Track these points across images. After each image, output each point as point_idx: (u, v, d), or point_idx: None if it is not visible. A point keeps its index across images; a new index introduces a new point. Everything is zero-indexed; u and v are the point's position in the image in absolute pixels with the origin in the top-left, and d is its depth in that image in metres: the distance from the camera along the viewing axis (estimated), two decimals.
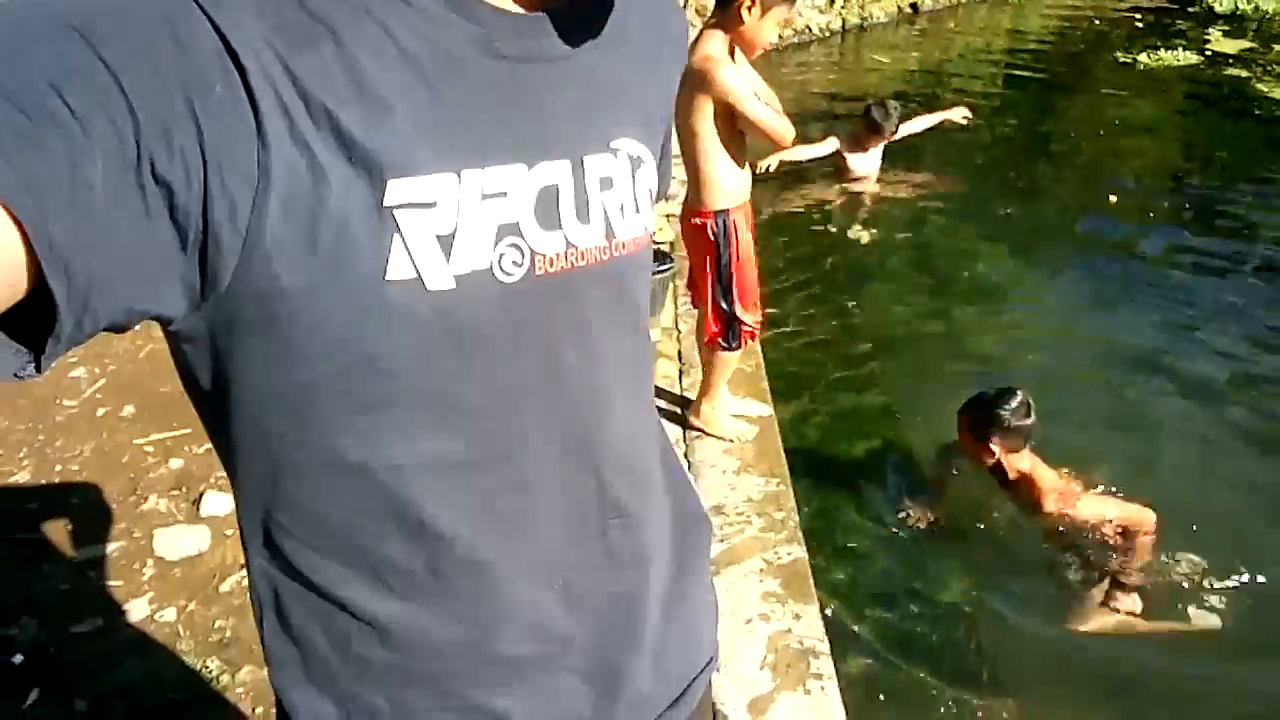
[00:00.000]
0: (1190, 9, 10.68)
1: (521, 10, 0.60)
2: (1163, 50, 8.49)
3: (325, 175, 0.51)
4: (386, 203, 0.53)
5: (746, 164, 2.64)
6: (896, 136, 5.45)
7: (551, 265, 0.62)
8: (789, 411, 3.35)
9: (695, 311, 2.90)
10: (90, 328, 0.46)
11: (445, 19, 0.56)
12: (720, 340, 2.76)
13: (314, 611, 0.65)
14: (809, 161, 5.46)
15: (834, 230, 5.05)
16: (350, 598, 0.64)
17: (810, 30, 9.08)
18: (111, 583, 2.24)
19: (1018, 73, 8.35)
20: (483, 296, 0.58)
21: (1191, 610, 2.63)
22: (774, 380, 3.32)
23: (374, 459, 0.60)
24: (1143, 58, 8.35)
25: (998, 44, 9.54)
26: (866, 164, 5.51)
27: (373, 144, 0.52)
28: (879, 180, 5.54)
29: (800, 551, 2.43)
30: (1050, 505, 2.69)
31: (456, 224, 0.56)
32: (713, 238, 2.63)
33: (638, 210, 0.69)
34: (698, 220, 2.64)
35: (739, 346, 2.79)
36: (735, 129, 2.51)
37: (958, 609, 2.66)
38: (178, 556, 2.32)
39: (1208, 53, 8.65)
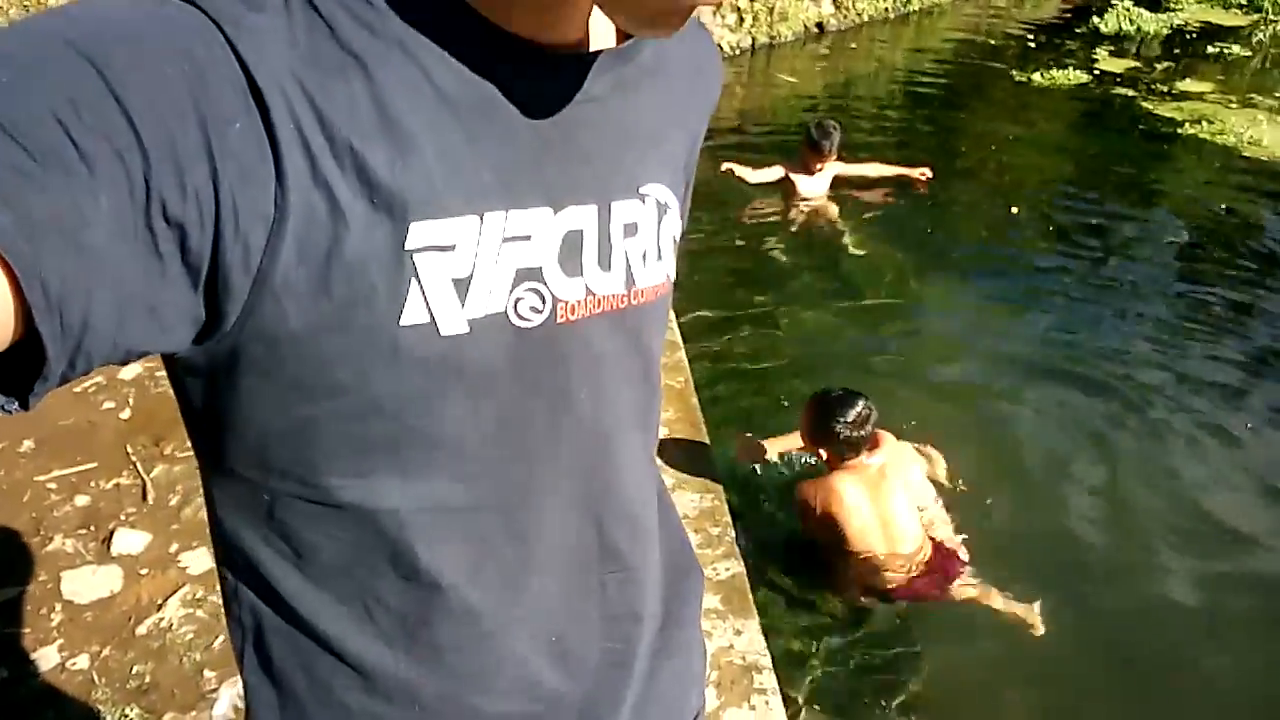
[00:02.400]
0: (1078, 29, 11.20)
1: (564, 49, 0.58)
2: (1054, 70, 8.87)
3: (345, 217, 0.49)
4: (408, 246, 0.51)
5: None
6: (849, 173, 5.42)
7: (572, 313, 0.60)
8: (719, 429, 3.37)
9: None
10: (85, 366, 0.44)
11: (482, 58, 0.54)
12: None
13: (297, 650, 0.62)
14: (754, 184, 5.44)
15: (772, 250, 5.07)
16: (336, 634, 0.62)
17: (721, 48, 9.21)
18: (17, 630, 2.10)
19: (920, 90, 8.62)
20: (495, 340, 0.56)
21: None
22: (703, 396, 3.33)
23: (372, 500, 0.58)
24: (1036, 76, 8.72)
25: (900, 62, 9.84)
26: (814, 186, 5.43)
27: (397, 184, 0.50)
28: (830, 199, 5.48)
29: (738, 566, 2.43)
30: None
31: (474, 267, 0.54)
32: None
33: (660, 258, 0.67)
34: None
35: None
36: None
37: (895, 618, 2.71)
38: (89, 599, 2.19)
39: (1096, 71, 9.08)
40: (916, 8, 11.81)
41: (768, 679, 2.10)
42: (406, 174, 0.51)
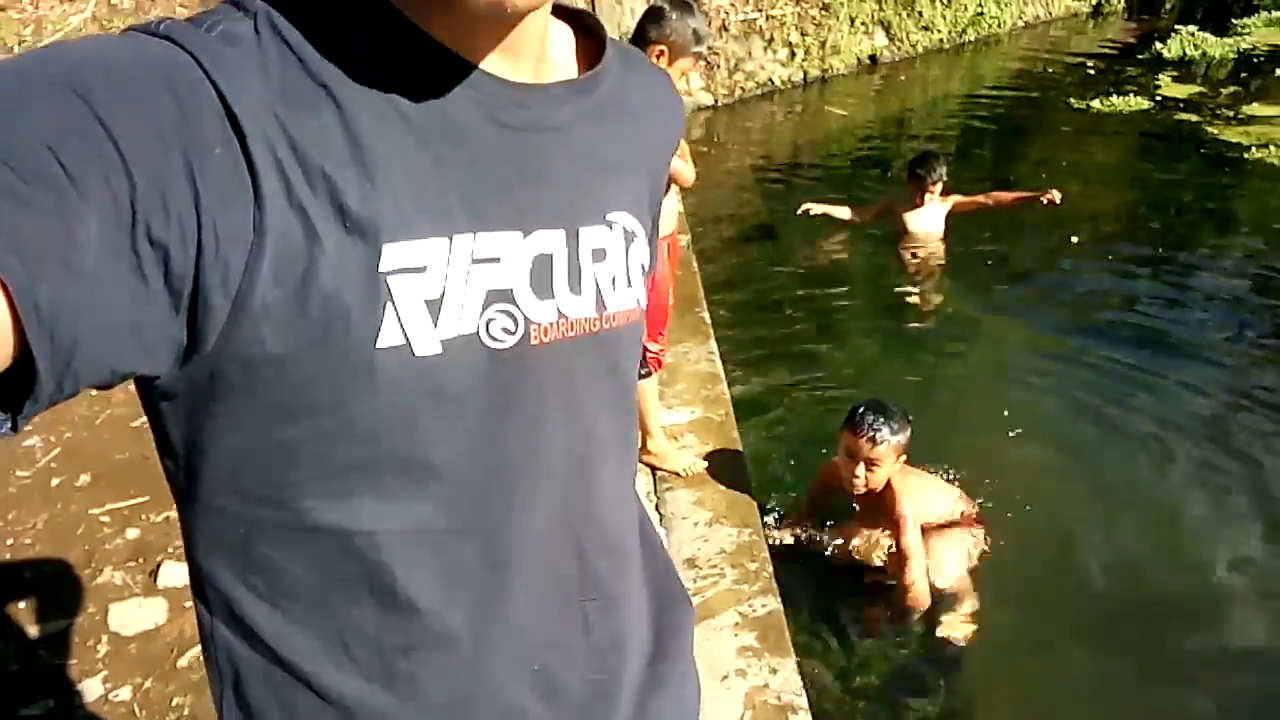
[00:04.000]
0: (1140, 56, 10.99)
1: (526, 80, 0.60)
2: (1114, 96, 8.70)
3: (320, 240, 0.51)
4: (381, 268, 0.53)
5: (672, 195, 2.71)
6: (964, 205, 5.13)
7: (545, 335, 0.61)
8: (761, 463, 3.33)
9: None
10: (71, 388, 0.45)
11: (448, 88, 0.56)
12: None
13: (275, 688, 0.62)
14: (843, 220, 5.28)
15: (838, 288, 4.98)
16: (315, 671, 0.62)
17: (773, 83, 9.24)
18: (64, 661, 2.15)
19: (975, 121, 8.52)
20: (469, 362, 0.57)
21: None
22: (744, 428, 3.30)
23: (349, 523, 0.58)
24: (1095, 103, 8.56)
25: (955, 92, 9.75)
26: (926, 222, 5.14)
27: (368, 208, 0.52)
28: (943, 240, 5.18)
29: (775, 603, 2.39)
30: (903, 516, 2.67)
31: (444, 289, 0.55)
32: None
33: (629, 284, 0.68)
34: None
35: (649, 373, 2.81)
36: None
37: (934, 654, 2.62)
38: (134, 631, 2.24)
39: (1158, 98, 8.88)
40: (971, 38, 11.72)
41: (804, 719, 2.05)
42: (377, 198, 0.53)
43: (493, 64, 0.57)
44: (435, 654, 0.63)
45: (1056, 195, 4.85)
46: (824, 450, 3.11)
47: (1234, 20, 12.79)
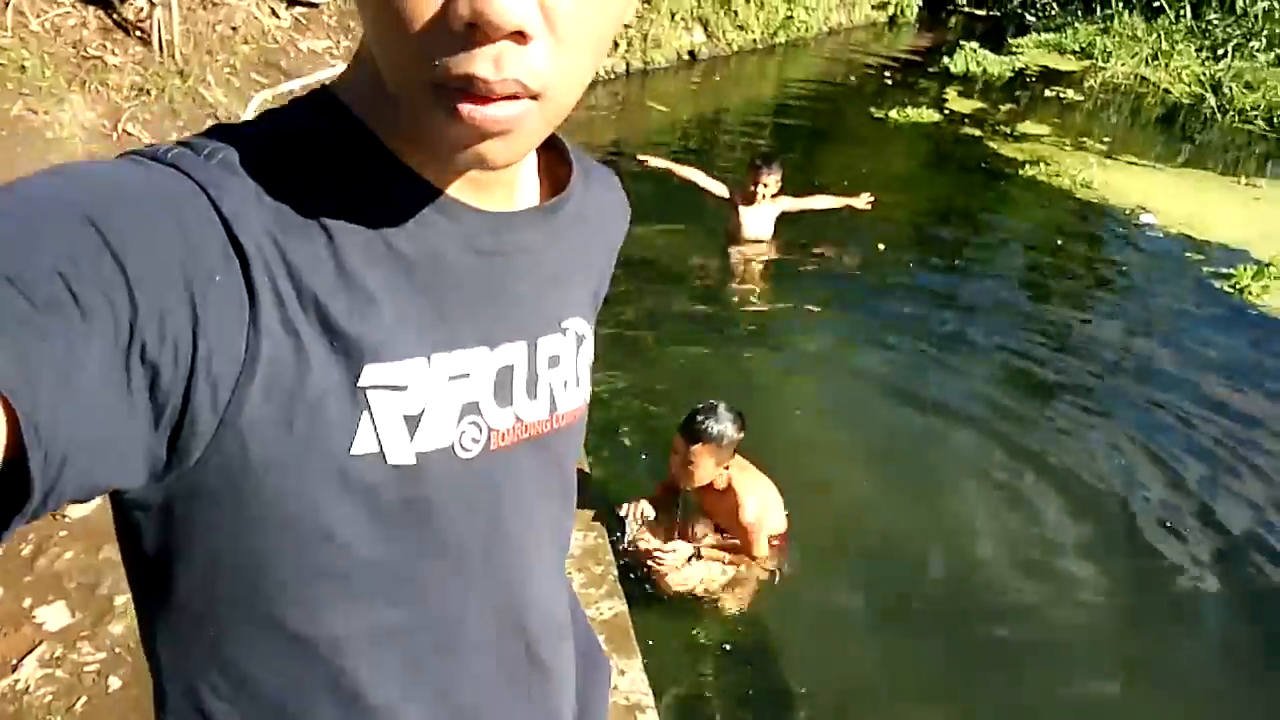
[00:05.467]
0: (930, 69, 11.89)
1: (499, 208, 0.64)
2: (909, 108, 9.39)
3: (309, 359, 0.54)
4: (360, 383, 0.56)
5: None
6: (792, 208, 5.39)
7: (503, 440, 0.65)
8: (603, 465, 3.43)
9: None
10: (54, 504, 0.46)
11: (432, 221, 0.60)
12: None
13: None
14: (701, 187, 5.38)
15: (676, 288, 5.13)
16: None
17: (596, 72, 9.31)
18: None
19: (785, 123, 8.98)
20: (441, 472, 0.61)
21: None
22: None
23: (318, 630, 0.61)
24: (893, 114, 9.21)
25: (766, 94, 10.22)
26: (755, 222, 5.36)
27: (355, 331, 0.56)
28: (771, 243, 5.43)
29: (621, 605, 2.49)
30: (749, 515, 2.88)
31: (424, 406, 0.59)
32: None
33: (578, 384, 0.73)
34: None
35: None
36: None
37: (776, 647, 2.82)
38: None
39: (946, 110, 9.66)
40: (782, 40, 12.28)
41: (651, 719, 2.16)
42: (364, 323, 0.56)
43: (469, 195, 0.61)
44: None
45: (869, 198, 5.36)
46: (661, 452, 3.25)
47: (1009, 40, 14.07)
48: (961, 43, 12.67)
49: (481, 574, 0.67)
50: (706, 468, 2.81)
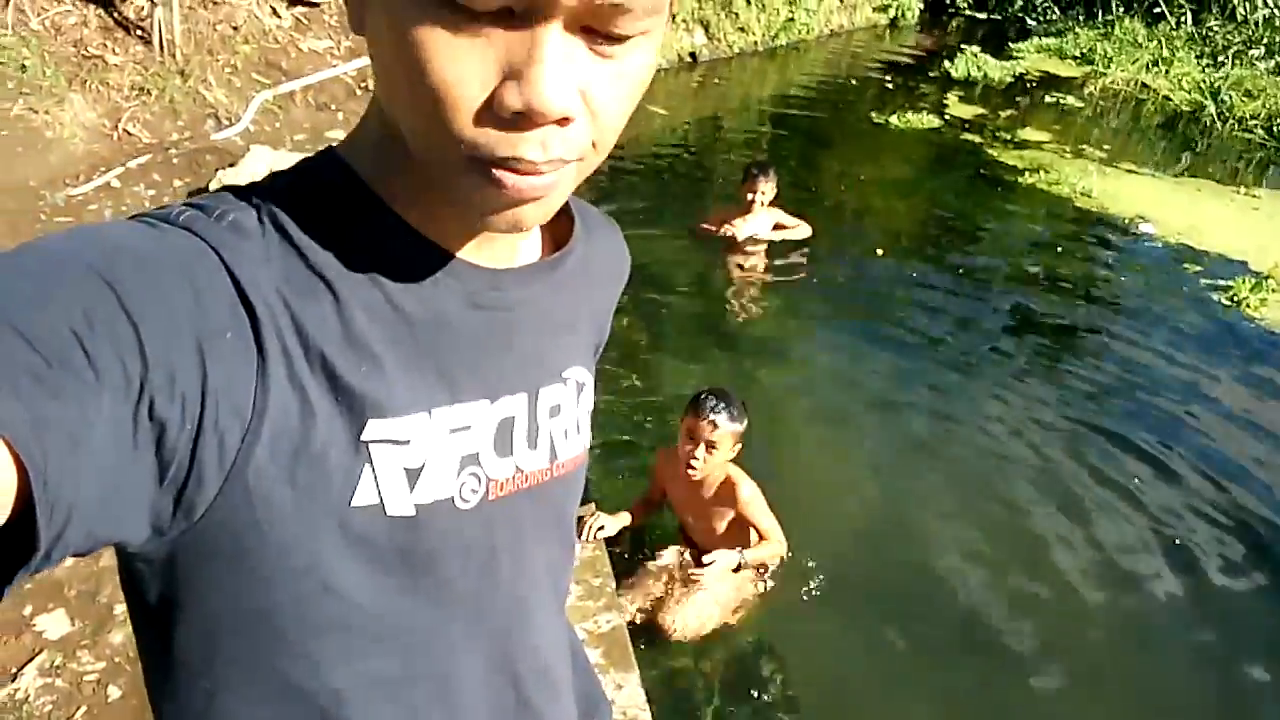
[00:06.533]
0: (931, 73, 11.88)
1: (501, 265, 0.65)
2: (910, 113, 9.39)
3: (314, 413, 0.55)
4: (363, 438, 0.57)
5: None
6: (786, 223, 5.50)
7: (502, 489, 0.66)
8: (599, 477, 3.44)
9: None
10: (59, 557, 0.47)
11: (436, 279, 0.61)
12: None
13: None
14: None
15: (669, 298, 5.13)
16: None
17: None
18: None
19: (783, 129, 8.96)
20: (440, 523, 0.62)
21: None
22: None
23: (318, 682, 0.61)
24: (893, 119, 9.20)
25: (766, 97, 10.20)
26: (752, 230, 5.44)
27: (360, 388, 0.57)
28: (768, 250, 5.50)
29: (619, 618, 2.50)
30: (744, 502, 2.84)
31: (425, 459, 0.60)
32: None
33: (579, 432, 0.74)
34: None
35: None
36: None
37: (776, 656, 2.83)
38: None
39: (947, 116, 9.66)
40: (783, 42, 12.28)
41: None
42: (368, 380, 0.57)
43: (472, 253, 0.63)
44: None
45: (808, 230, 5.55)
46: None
47: (1010, 44, 14.07)
48: (962, 46, 12.67)
49: (475, 623, 0.68)
50: (724, 452, 2.80)
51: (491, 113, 0.50)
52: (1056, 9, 16.35)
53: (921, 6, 16.14)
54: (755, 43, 11.66)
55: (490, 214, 0.54)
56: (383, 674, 0.63)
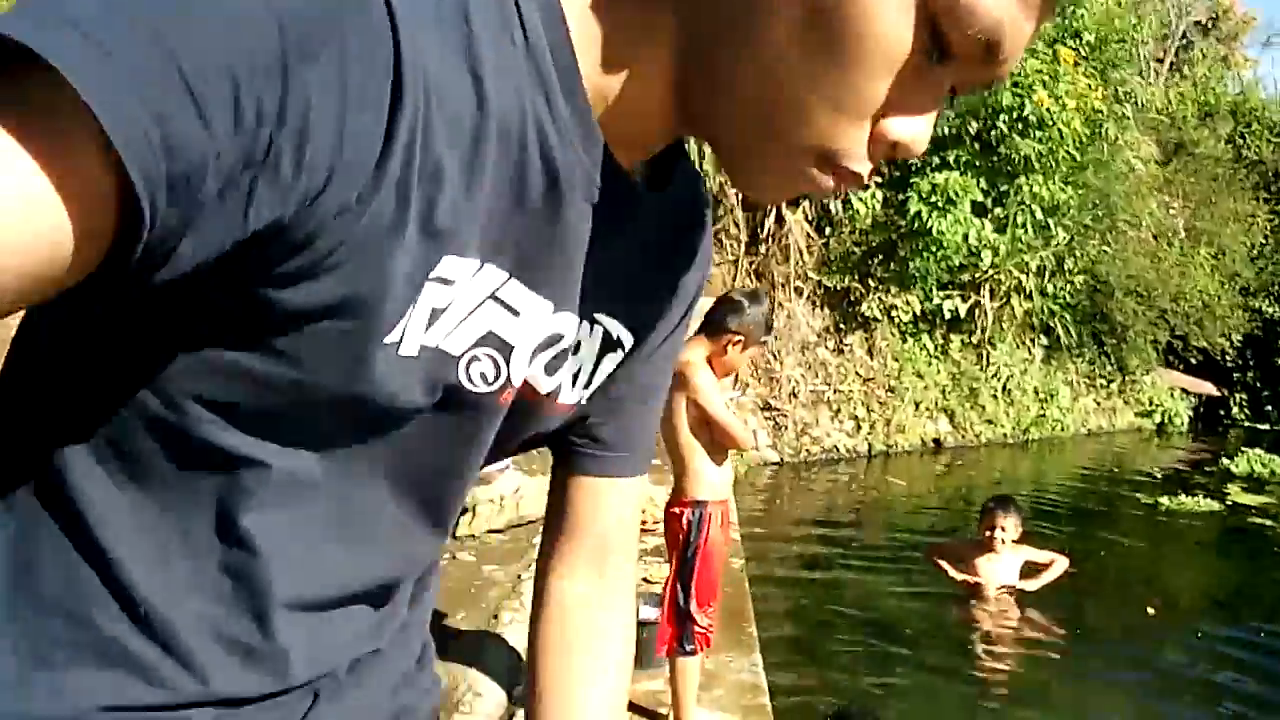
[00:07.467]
0: (1208, 469, 11.05)
1: (622, 165, 0.61)
2: (1185, 496, 8.68)
3: (401, 231, 0.50)
4: (432, 275, 0.53)
5: (727, 462, 2.83)
6: (1038, 560, 5.16)
7: (508, 397, 0.63)
8: None
9: None
10: (162, 246, 0.43)
11: (575, 148, 0.57)
12: (675, 643, 2.71)
13: (64, 559, 0.56)
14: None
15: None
16: (121, 560, 0.56)
17: (838, 450, 9.53)
18: None
19: (1044, 505, 8.52)
20: (432, 376, 0.57)
21: None
22: None
23: (245, 450, 0.56)
24: (1164, 499, 8.53)
25: (1023, 479, 9.86)
26: (996, 573, 5.08)
27: (452, 218, 0.52)
28: (1015, 597, 5.10)
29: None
30: None
31: (451, 301, 0.55)
32: (685, 526, 2.71)
33: (587, 385, 0.71)
34: (676, 509, 2.77)
35: (695, 650, 2.72)
36: (713, 429, 2.75)
37: None
38: None
39: (1229, 503, 8.82)
40: (1035, 436, 12.04)
41: None
42: (462, 211, 0.53)
43: (621, 150, 0.60)
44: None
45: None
46: None
47: None
48: (1244, 449, 11.73)
49: (401, 483, 0.63)
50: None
51: (867, 131, 0.54)
52: None
53: (1191, 415, 15.44)
54: (1004, 434, 11.53)
55: (782, 196, 0.61)
56: (302, 475, 0.58)
